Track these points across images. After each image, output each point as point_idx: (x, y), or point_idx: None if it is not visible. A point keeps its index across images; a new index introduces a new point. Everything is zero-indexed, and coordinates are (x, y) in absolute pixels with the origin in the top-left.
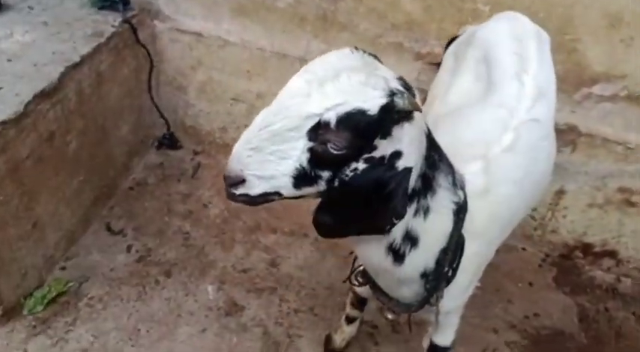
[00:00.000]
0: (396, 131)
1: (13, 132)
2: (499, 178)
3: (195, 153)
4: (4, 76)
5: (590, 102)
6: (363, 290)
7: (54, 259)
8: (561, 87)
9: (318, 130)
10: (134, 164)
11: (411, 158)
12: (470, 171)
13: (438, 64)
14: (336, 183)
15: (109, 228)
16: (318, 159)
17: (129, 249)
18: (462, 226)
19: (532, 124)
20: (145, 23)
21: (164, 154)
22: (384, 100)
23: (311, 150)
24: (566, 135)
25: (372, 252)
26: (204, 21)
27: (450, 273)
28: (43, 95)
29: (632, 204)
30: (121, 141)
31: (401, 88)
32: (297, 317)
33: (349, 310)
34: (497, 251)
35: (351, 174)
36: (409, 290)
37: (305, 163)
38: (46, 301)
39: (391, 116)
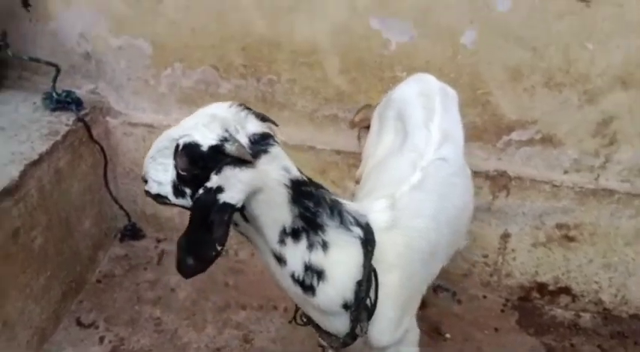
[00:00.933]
0: (227, 170)
1: None
2: (408, 213)
3: (158, 240)
4: None
5: (512, 148)
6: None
7: None
8: (484, 137)
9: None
10: (99, 257)
11: (234, 196)
12: (376, 208)
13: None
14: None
15: (79, 323)
16: (178, 176)
17: (101, 340)
18: (371, 258)
19: (440, 163)
20: (98, 120)
21: (128, 245)
22: (214, 142)
23: (175, 168)
24: (498, 181)
25: (284, 282)
26: (154, 113)
27: (369, 304)
28: (5, 193)
29: (571, 239)
30: (84, 235)
31: (241, 140)
32: None
33: None
34: (459, 300)
35: (196, 197)
36: (340, 323)
37: (175, 178)
38: None
39: (221, 156)
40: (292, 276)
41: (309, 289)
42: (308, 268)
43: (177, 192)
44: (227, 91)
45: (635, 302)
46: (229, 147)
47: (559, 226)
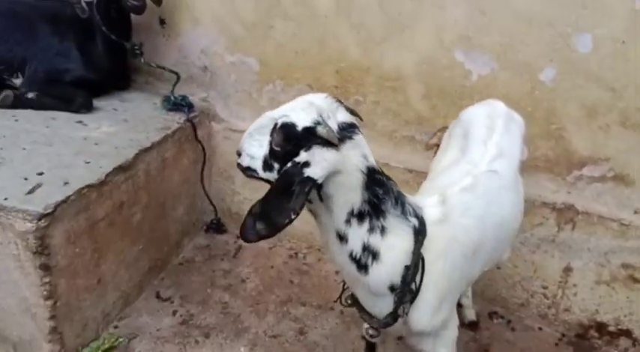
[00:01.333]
0: (316, 149)
1: (94, 196)
2: (457, 211)
3: (238, 237)
4: (91, 155)
5: (582, 183)
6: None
7: (110, 317)
8: (554, 170)
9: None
10: (184, 243)
11: (317, 172)
12: (428, 203)
13: None
14: None
15: (158, 296)
16: (271, 151)
17: (174, 313)
18: (420, 246)
19: (491, 174)
20: (204, 123)
21: (211, 237)
22: (308, 124)
23: (270, 144)
24: (565, 214)
25: (342, 260)
26: (253, 122)
27: (414, 288)
28: (119, 169)
29: (636, 280)
30: (176, 221)
31: (331, 126)
32: None
33: None
34: (513, 329)
35: (284, 169)
36: (384, 304)
37: (267, 153)
38: None
39: (312, 137)
40: (350, 255)
41: (363, 268)
42: (366, 248)
43: (267, 166)
44: None
45: None
46: (321, 130)
47: (625, 266)
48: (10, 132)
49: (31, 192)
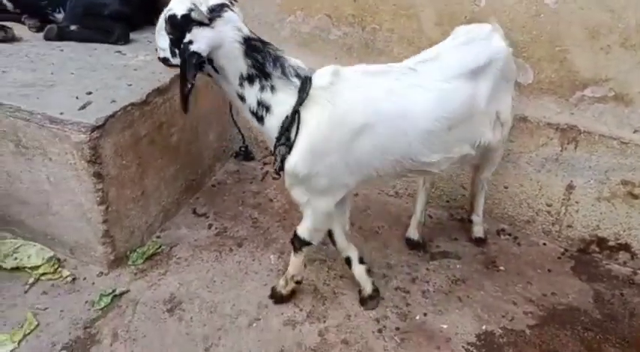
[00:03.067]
0: (195, 30)
1: (137, 114)
2: (345, 83)
3: (264, 163)
4: (132, 79)
5: (585, 103)
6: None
7: (152, 228)
8: (558, 91)
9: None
10: (216, 168)
11: (200, 47)
12: (321, 71)
13: None
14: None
15: (194, 212)
16: (170, 40)
17: (210, 226)
18: (300, 102)
19: (408, 71)
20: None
21: (240, 163)
22: (184, 12)
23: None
24: (568, 134)
25: (246, 115)
26: None
27: (291, 136)
28: (158, 91)
29: (635, 196)
30: (208, 146)
31: (202, 9)
32: (342, 281)
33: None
34: (519, 244)
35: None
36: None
37: (169, 42)
38: (145, 257)
39: (189, 21)
40: (249, 110)
41: (260, 119)
42: (259, 103)
43: (173, 53)
44: (337, 37)
45: None
46: (193, 14)
47: (624, 182)
48: (58, 60)
49: (83, 107)
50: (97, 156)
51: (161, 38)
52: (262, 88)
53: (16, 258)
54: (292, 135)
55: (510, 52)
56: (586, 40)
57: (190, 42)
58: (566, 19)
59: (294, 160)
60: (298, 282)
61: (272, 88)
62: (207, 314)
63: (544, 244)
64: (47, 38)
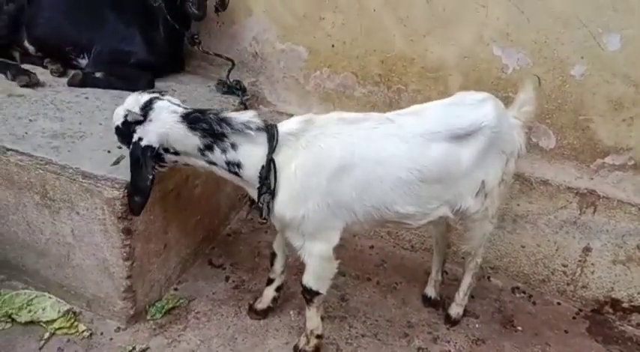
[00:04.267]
0: (138, 128)
1: (167, 168)
2: (319, 130)
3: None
4: None
5: (605, 170)
6: (275, 245)
7: (171, 280)
8: (579, 157)
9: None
10: (231, 216)
11: (150, 140)
12: (293, 119)
13: None
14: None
15: (211, 263)
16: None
17: (227, 279)
18: (271, 151)
19: (386, 121)
20: (254, 106)
21: (253, 211)
22: (122, 119)
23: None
24: (587, 198)
25: (226, 176)
26: (298, 107)
27: (271, 184)
28: None
29: None
30: (226, 196)
31: (135, 110)
32: (364, 339)
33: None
34: (534, 303)
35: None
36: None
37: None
38: (164, 311)
39: (129, 124)
40: (227, 170)
41: (237, 174)
42: (229, 163)
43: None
44: (361, 95)
45: None
46: (129, 117)
47: None
48: (85, 109)
49: (116, 163)
50: (128, 213)
51: (121, 144)
52: (224, 151)
53: (30, 310)
54: (272, 182)
55: (511, 125)
56: (609, 111)
57: (140, 139)
58: (590, 91)
59: (279, 206)
60: (319, 337)
61: (233, 146)
62: None
63: (558, 303)
64: (71, 84)
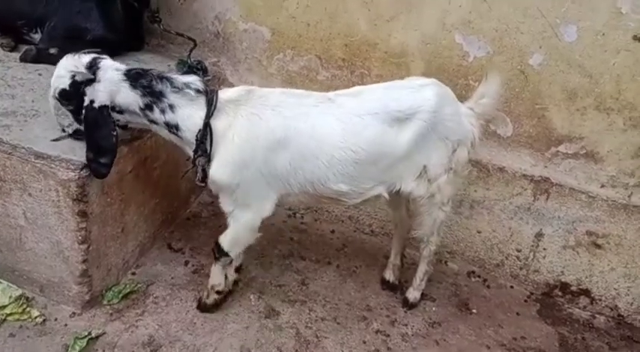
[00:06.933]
0: (87, 89)
1: (126, 150)
2: (259, 99)
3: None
4: None
5: (558, 158)
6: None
7: (128, 264)
8: (534, 145)
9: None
10: (192, 200)
11: (102, 100)
12: (235, 88)
13: None
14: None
15: (170, 247)
16: (71, 112)
17: (186, 263)
18: (208, 116)
19: (326, 99)
20: (216, 87)
21: (215, 196)
22: (69, 81)
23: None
24: (541, 185)
25: (168, 138)
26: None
27: (207, 148)
28: (145, 129)
29: (598, 246)
30: (186, 178)
31: (81, 70)
32: (324, 323)
33: None
34: (489, 286)
35: (83, 115)
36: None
37: (71, 115)
38: (121, 295)
39: (79, 84)
40: (167, 130)
41: (178, 136)
42: (167, 124)
43: (80, 121)
44: (324, 78)
45: None
46: (77, 78)
47: (589, 233)
48: (38, 86)
49: (57, 139)
50: (83, 195)
51: (60, 117)
52: (162, 111)
53: None
54: (208, 146)
55: (458, 112)
56: (564, 100)
57: (92, 101)
58: (547, 80)
59: (214, 171)
60: (219, 292)
61: (171, 107)
62: None
63: (511, 287)
64: (23, 60)
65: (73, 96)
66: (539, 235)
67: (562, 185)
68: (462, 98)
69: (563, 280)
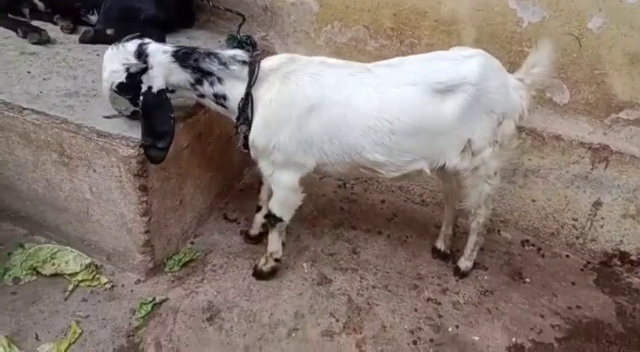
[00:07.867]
0: (144, 77)
1: (181, 126)
2: (299, 67)
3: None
4: None
5: (618, 125)
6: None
7: (187, 234)
8: (593, 112)
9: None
10: (245, 172)
11: (159, 85)
12: (277, 57)
13: None
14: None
15: (225, 217)
16: (129, 100)
17: (242, 233)
18: (250, 84)
19: (363, 70)
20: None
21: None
22: (125, 73)
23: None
24: (600, 153)
25: (216, 108)
26: None
27: (248, 115)
28: (198, 105)
29: None
30: (238, 151)
31: (132, 60)
32: (375, 291)
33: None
34: (543, 255)
35: (141, 100)
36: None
37: (128, 102)
38: (181, 264)
39: (134, 75)
40: (214, 103)
41: (224, 106)
42: (216, 95)
43: (136, 105)
44: (373, 49)
45: None
46: (132, 69)
47: None
48: (97, 67)
49: (109, 117)
50: (143, 170)
51: (116, 104)
52: (211, 84)
53: (54, 264)
54: (249, 113)
55: (505, 84)
56: (625, 65)
57: (150, 87)
58: (607, 44)
59: (252, 134)
60: (277, 260)
61: (219, 80)
62: (246, 323)
63: (567, 256)
64: (82, 41)
65: (131, 87)
66: (597, 204)
67: (622, 153)
68: (517, 66)
69: (622, 249)
